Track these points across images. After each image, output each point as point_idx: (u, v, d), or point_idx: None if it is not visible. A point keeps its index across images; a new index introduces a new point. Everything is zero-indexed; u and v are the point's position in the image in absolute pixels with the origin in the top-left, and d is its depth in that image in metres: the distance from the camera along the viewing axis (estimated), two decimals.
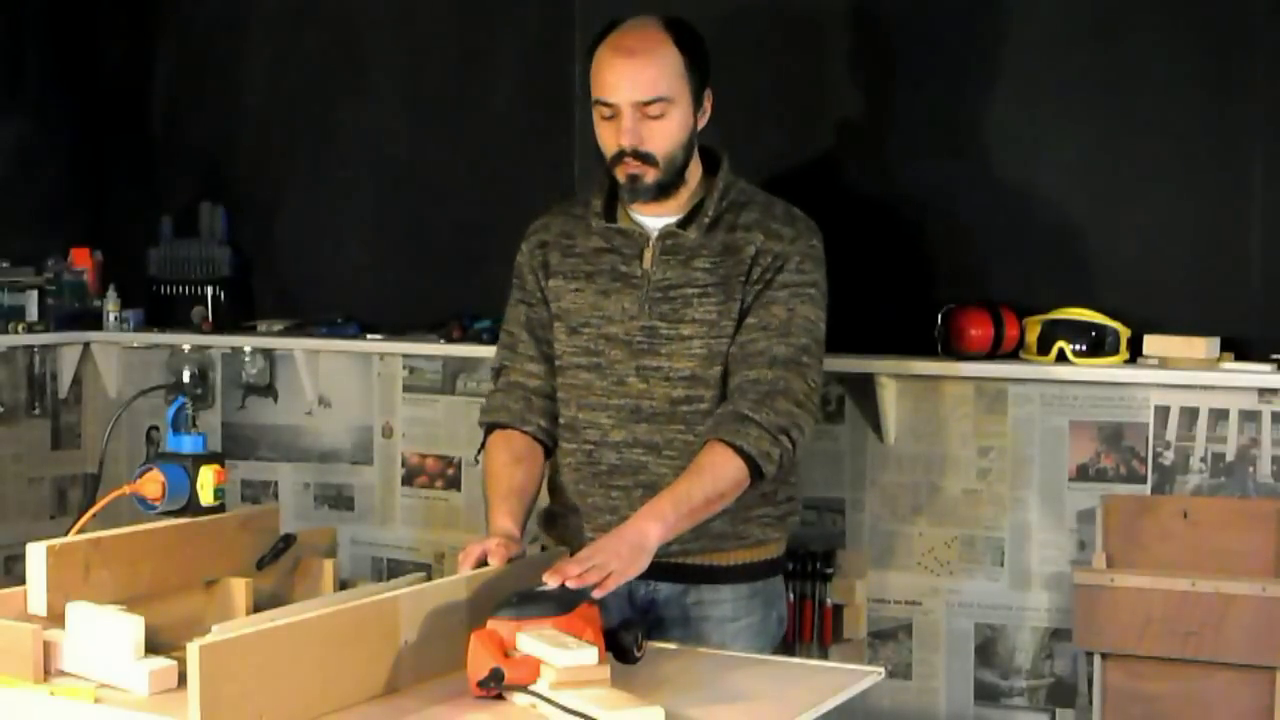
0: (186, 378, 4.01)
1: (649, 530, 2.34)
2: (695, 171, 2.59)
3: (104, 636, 2.05)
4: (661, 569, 2.45)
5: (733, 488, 2.46)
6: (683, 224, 2.57)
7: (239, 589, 2.37)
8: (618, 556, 2.26)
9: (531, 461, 2.60)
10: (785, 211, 2.61)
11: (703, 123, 2.58)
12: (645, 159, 2.50)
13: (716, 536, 2.54)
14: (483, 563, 2.31)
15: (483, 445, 2.67)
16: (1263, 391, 3.01)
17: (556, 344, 2.63)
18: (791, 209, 2.62)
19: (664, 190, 2.54)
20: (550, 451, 2.65)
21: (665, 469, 2.53)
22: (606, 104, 2.51)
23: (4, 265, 3.98)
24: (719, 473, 2.44)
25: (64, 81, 4.23)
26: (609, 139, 2.53)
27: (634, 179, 2.52)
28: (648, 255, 2.57)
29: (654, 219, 2.58)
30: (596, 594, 2.20)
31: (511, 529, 2.46)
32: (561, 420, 2.63)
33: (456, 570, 2.30)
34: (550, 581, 2.16)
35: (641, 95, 2.48)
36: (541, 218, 2.72)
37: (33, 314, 3.99)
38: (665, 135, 2.50)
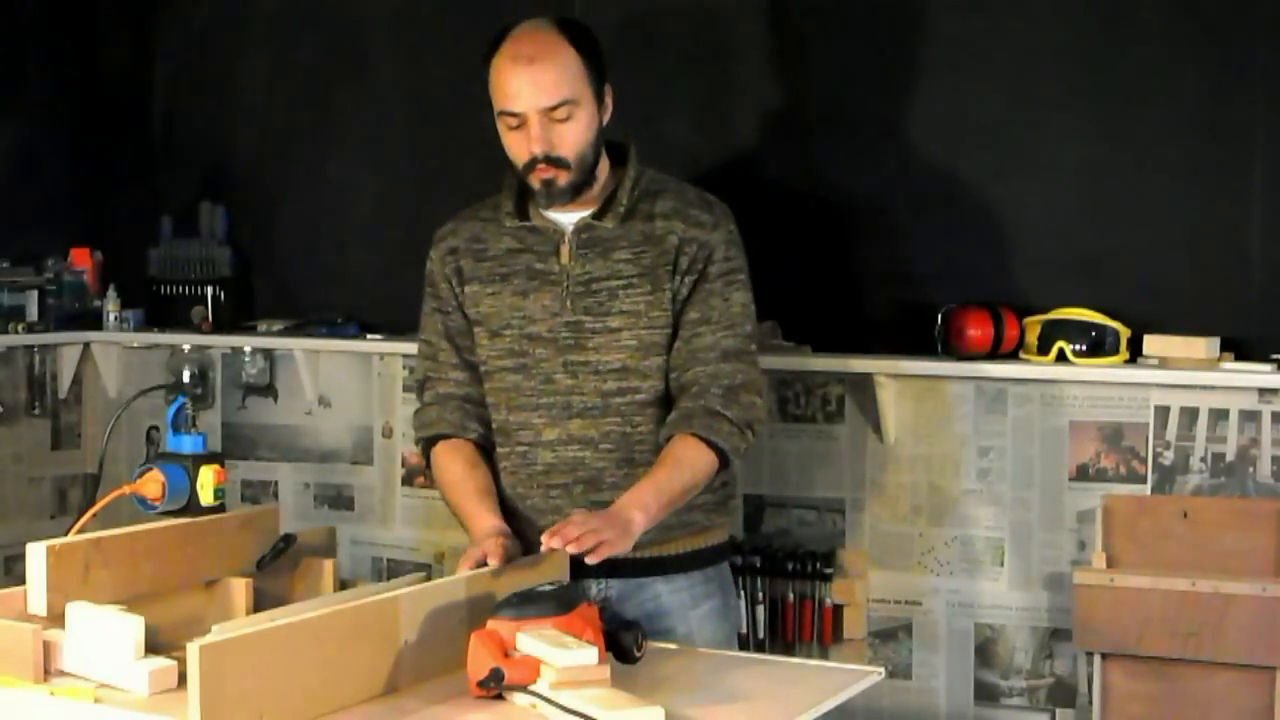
0: (186, 378, 4.03)
1: (635, 518, 2.36)
2: (604, 166, 2.60)
3: (104, 636, 2.05)
4: (612, 565, 2.42)
5: (704, 480, 2.51)
6: (597, 216, 2.57)
7: (239, 589, 2.36)
8: (611, 527, 2.29)
9: (485, 466, 2.61)
10: (699, 197, 2.62)
11: (606, 118, 2.57)
12: (557, 163, 2.50)
13: (663, 527, 2.51)
14: (482, 564, 2.31)
15: (428, 462, 2.68)
16: (1263, 391, 3.01)
17: (479, 349, 2.63)
18: (704, 194, 2.64)
19: (578, 190, 2.54)
20: (491, 456, 2.65)
21: (603, 462, 2.54)
22: (512, 114, 2.50)
23: (4, 265, 3.98)
24: (695, 465, 2.48)
25: (64, 81, 4.23)
26: (518, 148, 2.52)
27: (548, 184, 2.51)
28: (564, 250, 2.57)
29: (567, 215, 2.58)
30: (590, 559, 2.23)
31: (500, 524, 2.47)
32: (493, 425, 2.63)
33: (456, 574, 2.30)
34: (548, 542, 2.20)
35: (546, 101, 2.47)
36: (447, 224, 2.71)
37: (33, 314, 3.99)
38: (574, 137, 2.50)
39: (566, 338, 2.55)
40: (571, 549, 2.21)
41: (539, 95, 2.47)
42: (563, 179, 2.51)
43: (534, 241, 2.59)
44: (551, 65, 2.48)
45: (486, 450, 2.64)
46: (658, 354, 2.55)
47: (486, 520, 2.48)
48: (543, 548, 2.26)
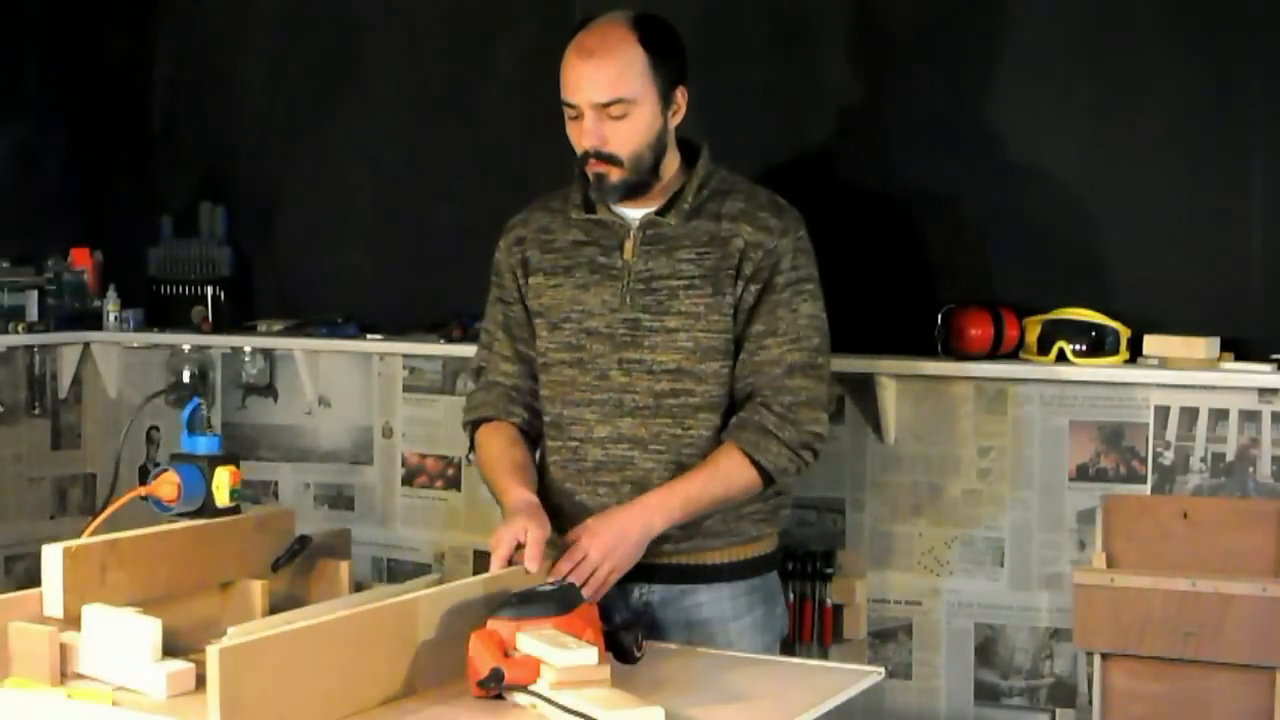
0: (186, 378, 4.03)
1: (654, 524, 2.38)
2: (672, 165, 2.58)
3: (121, 639, 2.04)
4: (654, 570, 2.47)
5: (741, 495, 2.50)
6: (661, 212, 2.55)
7: (255, 591, 2.35)
8: (614, 552, 2.29)
9: (525, 446, 2.62)
10: (770, 201, 2.59)
11: (676, 120, 2.56)
12: (609, 160, 2.49)
13: (708, 535, 2.53)
14: (515, 560, 2.30)
15: (471, 445, 2.68)
16: (1263, 391, 3.01)
17: (539, 341, 2.62)
18: (776, 198, 2.60)
19: (633, 190, 2.53)
20: (536, 445, 2.66)
21: (651, 464, 2.52)
22: (570, 105, 2.51)
23: (4, 265, 3.98)
24: (733, 480, 2.47)
25: (64, 81, 4.23)
26: (575, 139, 2.53)
27: (600, 178, 2.51)
28: (628, 246, 2.55)
29: (634, 210, 2.57)
30: (586, 592, 2.23)
31: (531, 497, 2.44)
32: (547, 418, 2.62)
33: (493, 561, 2.28)
34: (561, 569, 2.22)
35: (601, 97, 2.46)
36: (521, 213, 2.71)
37: (33, 314, 3.99)
38: (629, 136, 2.48)
39: (623, 334, 2.54)
40: (587, 593, 2.23)
41: (594, 90, 2.47)
42: (615, 176, 2.50)
43: (600, 235, 2.58)
44: (611, 62, 2.46)
45: (530, 437, 2.64)
46: (714, 358, 2.52)
47: (517, 492, 2.45)
48: (551, 576, 2.27)
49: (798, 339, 2.52)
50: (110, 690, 2.02)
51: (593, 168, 2.51)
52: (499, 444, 2.60)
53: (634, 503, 2.43)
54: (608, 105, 2.46)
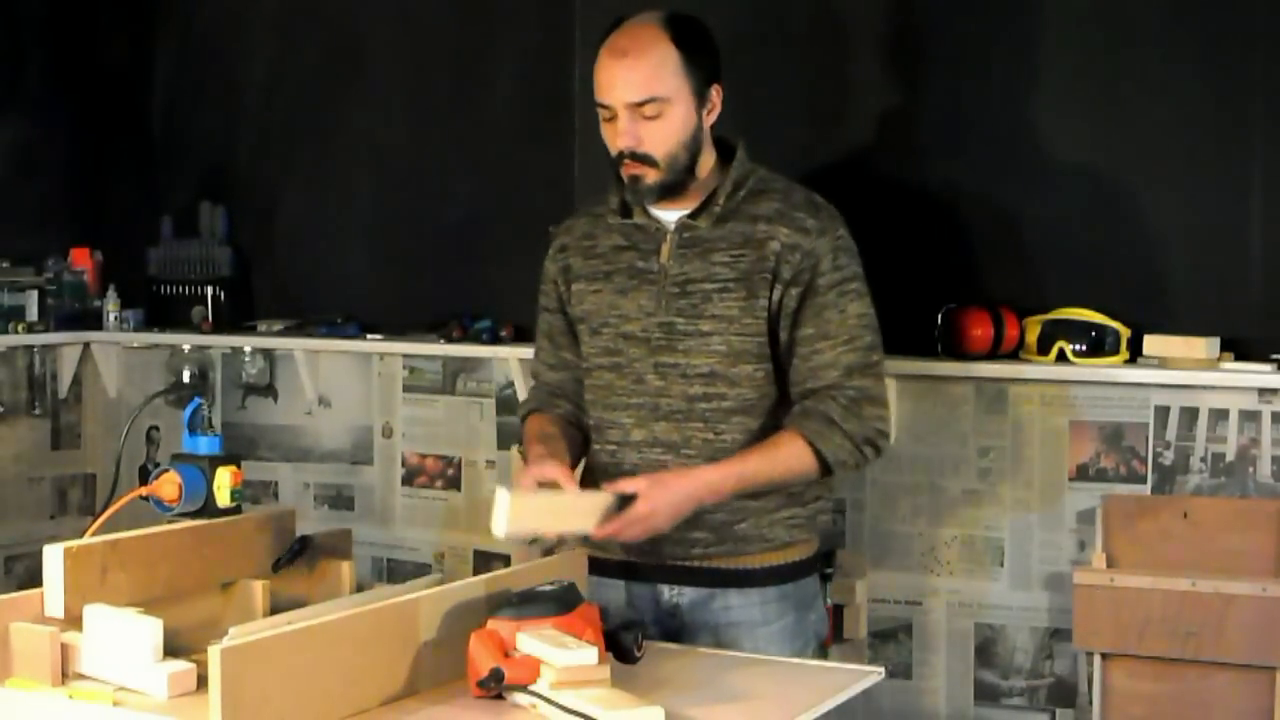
0: (186, 378, 4.04)
1: (705, 501, 2.40)
2: (708, 164, 2.56)
3: (122, 639, 2.04)
4: (685, 573, 2.48)
5: (797, 481, 2.51)
6: (695, 215, 2.54)
7: (256, 591, 2.34)
8: (663, 512, 2.35)
9: (564, 429, 2.63)
10: (806, 200, 2.56)
11: (711, 119, 2.54)
12: (644, 160, 2.47)
13: (740, 539, 2.52)
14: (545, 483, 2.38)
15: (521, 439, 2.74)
16: (1263, 391, 3.01)
17: (583, 346, 2.63)
18: (813, 197, 2.58)
19: (668, 190, 2.51)
20: (585, 435, 2.67)
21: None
22: (604, 106, 2.50)
23: (4, 265, 3.98)
24: (792, 465, 2.46)
25: (64, 81, 4.24)
26: (610, 140, 2.52)
27: (635, 180, 2.50)
28: (665, 249, 2.54)
29: (670, 212, 2.55)
30: (619, 530, 2.33)
31: (543, 449, 2.51)
32: (590, 422, 2.63)
33: (524, 479, 2.39)
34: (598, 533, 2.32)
35: (634, 96, 2.45)
36: (569, 218, 2.72)
37: (33, 314, 3.99)
38: (664, 135, 2.47)
39: (659, 338, 2.53)
40: (620, 531, 2.33)
41: (627, 90, 2.46)
42: (650, 177, 2.49)
43: (639, 239, 2.57)
44: (644, 61, 2.45)
45: (575, 425, 2.67)
46: (748, 361, 2.51)
47: (534, 450, 2.52)
48: (606, 487, 2.36)
49: (850, 339, 2.50)
50: (111, 691, 2.02)
51: (628, 169, 2.50)
52: (534, 425, 2.66)
53: (693, 473, 2.43)
54: (641, 105, 2.45)
